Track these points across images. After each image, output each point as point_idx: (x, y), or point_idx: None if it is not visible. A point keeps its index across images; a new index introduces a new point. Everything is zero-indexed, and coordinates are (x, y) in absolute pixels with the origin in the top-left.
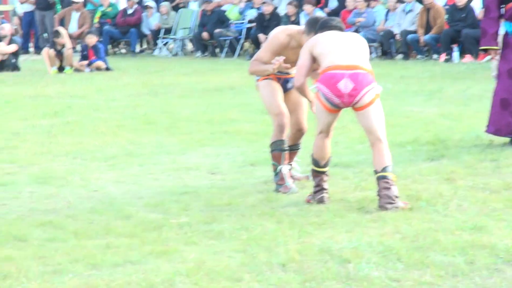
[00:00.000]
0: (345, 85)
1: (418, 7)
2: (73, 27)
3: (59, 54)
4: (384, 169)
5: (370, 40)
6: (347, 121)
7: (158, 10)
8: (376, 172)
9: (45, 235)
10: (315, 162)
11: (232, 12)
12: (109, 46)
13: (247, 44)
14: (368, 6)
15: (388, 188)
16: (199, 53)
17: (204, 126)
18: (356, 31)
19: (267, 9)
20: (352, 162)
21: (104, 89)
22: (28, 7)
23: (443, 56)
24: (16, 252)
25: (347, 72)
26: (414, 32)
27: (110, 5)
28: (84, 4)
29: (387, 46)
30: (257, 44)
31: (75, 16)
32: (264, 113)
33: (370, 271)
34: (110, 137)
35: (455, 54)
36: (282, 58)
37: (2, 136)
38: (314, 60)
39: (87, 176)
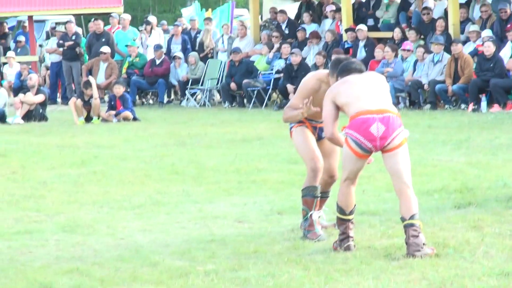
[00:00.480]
0: (377, 129)
1: (447, 57)
2: (101, 77)
3: (87, 105)
4: (412, 217)
5: (398, 90)
6: (374, 170)
7: (186, 60)
8: (403, 219)
9: (71, 283)
10: (340, 210)
11: (260, 63)
12: (137, 97)
13: (274, 95)
14: (395, 56)
15: (417, 236)
16: (226, 104)
17: (231, 176)
18: None
19: (295, 60)
20: (379, 210)
21: (131, 139)
22: (56, 58)
23: (471, 106)
24: None
25: (377, 116)
26: (442, 82)
27: (138, 55)
28: (112, 55)
29: (415, 96)
30: (285, 95)
31: (102, 67)
32: (291, 163)
33: None
34: (137, 186)
35: (483, 104)
36: (310, 99)
37: (30, 185)
38: (338, 108)
39: (114, 224)
